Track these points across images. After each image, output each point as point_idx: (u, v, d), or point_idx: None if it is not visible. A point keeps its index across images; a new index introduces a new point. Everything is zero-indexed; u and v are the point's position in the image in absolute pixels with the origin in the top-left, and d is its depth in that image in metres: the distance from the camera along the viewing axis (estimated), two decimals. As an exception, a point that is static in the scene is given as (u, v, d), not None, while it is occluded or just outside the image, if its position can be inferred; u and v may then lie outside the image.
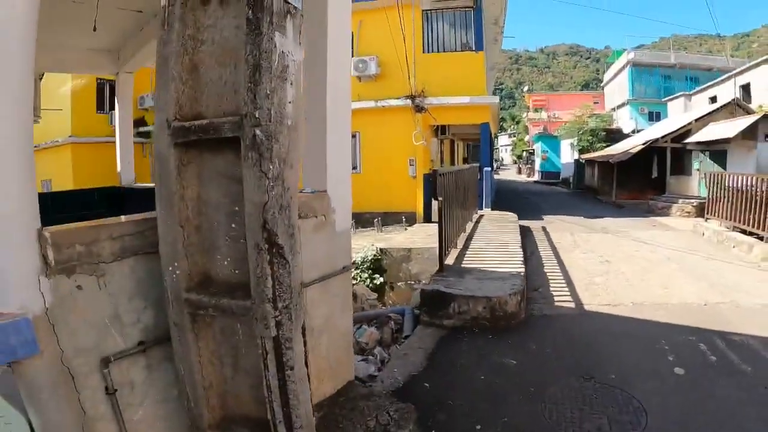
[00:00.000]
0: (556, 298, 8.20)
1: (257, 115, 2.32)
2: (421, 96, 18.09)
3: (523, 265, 8.56)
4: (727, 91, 34.19)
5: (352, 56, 19.16)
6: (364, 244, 13.68)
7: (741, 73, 34.26)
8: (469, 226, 12.36)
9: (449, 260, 8.69)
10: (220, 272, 2.75)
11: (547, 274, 9.78)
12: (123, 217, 3.09)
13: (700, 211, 18.00)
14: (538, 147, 53.27)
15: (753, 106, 27.64)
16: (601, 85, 64.52)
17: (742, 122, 20.87)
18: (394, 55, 16.85)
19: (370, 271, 12.64)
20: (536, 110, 70.56)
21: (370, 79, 18.95)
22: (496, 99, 19.05)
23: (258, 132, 2.32)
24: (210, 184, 2.67)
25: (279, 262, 2.45)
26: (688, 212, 20.51)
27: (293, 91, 2.49)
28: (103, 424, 2.66)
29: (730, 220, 13.75)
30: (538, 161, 53.35)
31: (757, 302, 8.10)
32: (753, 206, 12.43)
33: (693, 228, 15.98)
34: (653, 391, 4.94)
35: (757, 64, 32.66)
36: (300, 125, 2.59)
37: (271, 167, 2.34)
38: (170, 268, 2.66)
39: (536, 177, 52.64)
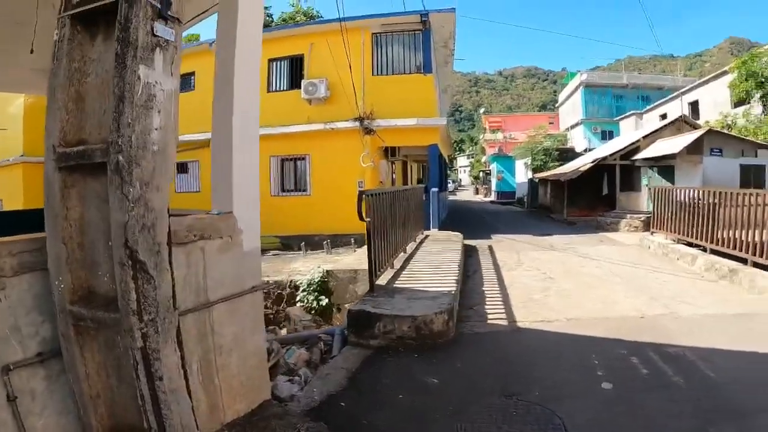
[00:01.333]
0: (490, 316, 8.27)
1: (120, 142, 2.55)
2: (369, 118, 18.35)
3: (456, 284, 8.68)
4: (677, 109, 35.29)
5: (303, 79, 19.42)
6: (312, 267, 13.81)
7: (690, 90, 35.61)
8: (411, 246, 12.51)
9: (382, 281, 8.80)
10: (102, 287, 2.93)
11: (486, 292, 9.92)
12: (24, 235, 3.24)
13: (648, 225, 18.49)
14: (493, 167, 54.62)
15: (701, 122, 28.72)
16: (556, 105, 65.91)
17: (688, 138, 21.65)
18: (345, 77, 17.08)
19: (316, 293, 12.77)
20: (493, 131, 71.48)
21: (320, 101, 19.22)
22: (444, 120, 19.36)
23: (120, 158, 2.55)
24: (90, 205, 2.88)
25: (143, 277, 2.65)
26: (636, 227, 21.16)
27: (161, 118, 2.70)
28: (4, 429, 2.78)
29: (675, 233, 14.24)
30: (494, 181, 54.54)
31: (697, 312, 8.34)
32: (696, 219, 12.94)
33: (639, 242, 16.52)
34: (577, 407, 4.93)
35: (705, 82, 33.97)
36: (169, 150, 2.78)
37: (131, 190, 2.55)
38: (56, 282, 2.85)
39: (492, 197, 53.73)
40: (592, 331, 7.42)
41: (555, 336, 7.32)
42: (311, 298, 12.77)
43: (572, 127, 53.21)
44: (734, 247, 11.32)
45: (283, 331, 10.25)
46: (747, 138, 23.10)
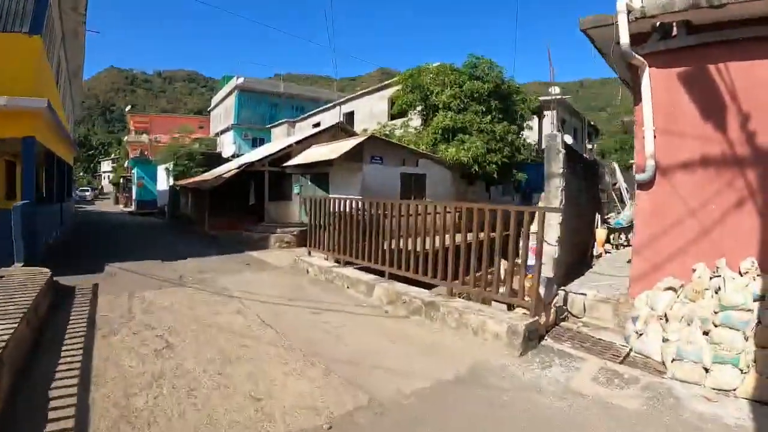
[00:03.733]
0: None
1: None
2: (-67, 92, 11.93)
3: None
4: (332, 119, 35.47)
5: None
6: None
7: (347, 101, 36.58)
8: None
9: None
10: None
11: (50, 404, 4.97)
12: None
13: (303, 240, 16.14)
14: (134, 173, 48.02)
15: (358, 130, 28.95)
16: (209, 109, 62.74)
17: (348, 143, 20.02)
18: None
19: None
20: (138, 132, 65.40)
21: None
22: (43, 103, 12.82)
23: None
24: None
25: None
26: (289, 242, 18.86)
27: None
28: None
29: (339, 252, 11.87)
30: (134, 189, 47.84)
31: (407, 388, 5.60)
32: (365, 235, 11.02)
33: (294, 264, 13.49)
34: None
35: (362, 95, 35.21)
36: None
37: None
38: None
39: (133, 207, 46.72)
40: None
41: None
42: None
43: (222, 132, 51.05)
44: (425, 273, 9.33)
45: None
46: (409, 147, 22.41)
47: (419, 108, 25.21)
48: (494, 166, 22.69)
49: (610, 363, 6.52)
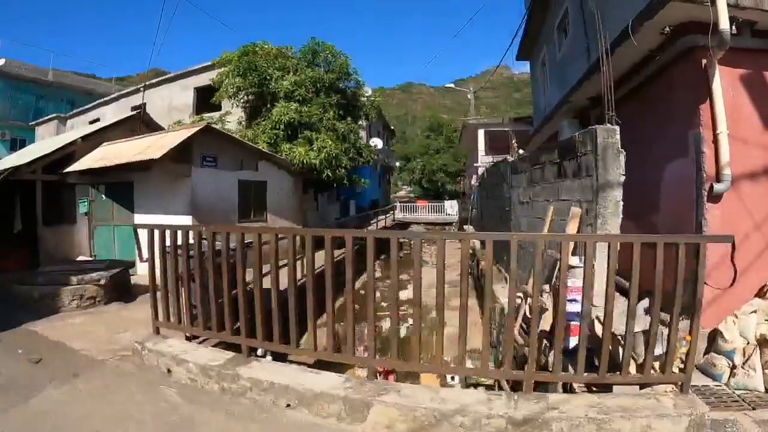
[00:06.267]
0: None
1: None
2: None
3: None
4: (116, 113, 28.08)
5: None
6: None
7: (137, 92, 30.21)
8: None
9: None
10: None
11: None
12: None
13: (116, 291, 10.50)
14: None
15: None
16: (-42, 101, 51.28)
17: (172, 137, 13.62)
18: None
19: None
20: None
21: None
22: None
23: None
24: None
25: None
26: (93, 298, 10.41)
27: None
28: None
29: (215, 327, 6.18)
30: None
31: None
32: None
33: (136, 355, 6.65)
34: None
35: (159, 83, 28.98)
36: None
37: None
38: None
39: None
40: None
41: None
42: None
43: (-27, 131, 39.28)
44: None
45: None
46: (251, 144, 16.82)
47: (250, 97, 20.11)
48: (343, 170, 19.01)
49: (758, 413, 4.85)
